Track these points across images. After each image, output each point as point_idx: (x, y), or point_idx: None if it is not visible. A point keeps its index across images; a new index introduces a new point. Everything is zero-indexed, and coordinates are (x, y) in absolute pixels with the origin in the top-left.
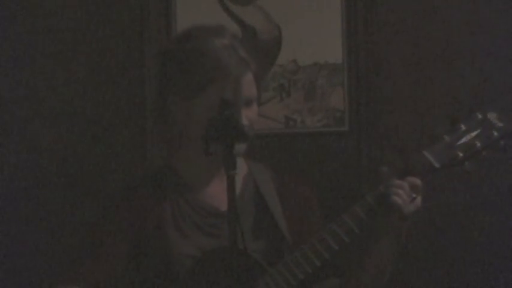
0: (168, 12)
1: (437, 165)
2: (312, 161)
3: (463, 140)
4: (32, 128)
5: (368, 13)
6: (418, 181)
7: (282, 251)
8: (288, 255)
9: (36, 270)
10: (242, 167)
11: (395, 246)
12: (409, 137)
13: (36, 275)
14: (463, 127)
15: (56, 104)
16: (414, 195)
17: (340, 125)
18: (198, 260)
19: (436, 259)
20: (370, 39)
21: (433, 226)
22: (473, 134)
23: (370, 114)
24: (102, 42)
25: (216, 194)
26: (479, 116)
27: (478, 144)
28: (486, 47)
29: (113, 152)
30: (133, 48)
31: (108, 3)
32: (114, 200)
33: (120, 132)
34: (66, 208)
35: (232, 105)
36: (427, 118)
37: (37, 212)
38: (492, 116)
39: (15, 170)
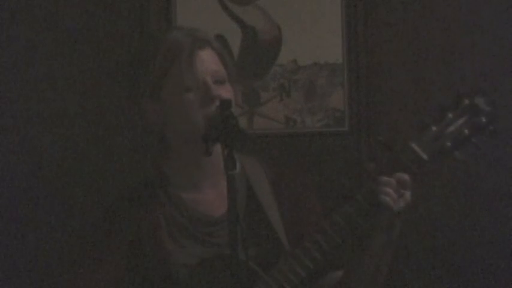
0: (168, 12)
1: (425, 156)
2: (312, 161)
3: (451, 128)
4: (32, 128)
5: (368, 13)
6: (405, 176)
7: (277, 256)
8: (282, 261)
9: (36, 270)
10: None
11: (390, 243)
12: (409, 137)
13: (36, 275)
14: (450, 115)
15: (56, 104)
16: (402, 191)
17: (340, 125)
18: (194, 268)
19: (436, 259)
20: (370, 39)
21: (433, 226)
22: (461, 121)
23: (370, 114)
24: (102, 42)
25: (209, 200)
26: (466, 102)
27: (466, 131)
28: (486, 47)
29: (113, 152)
30: (133, 48)
31: (108, 3)
32: (108, 210)
33: (120, 132)
34: (66, 208)
35: (231, 105)
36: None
37: (37, 212)
38: (479, 101)
39: (15, 171)
